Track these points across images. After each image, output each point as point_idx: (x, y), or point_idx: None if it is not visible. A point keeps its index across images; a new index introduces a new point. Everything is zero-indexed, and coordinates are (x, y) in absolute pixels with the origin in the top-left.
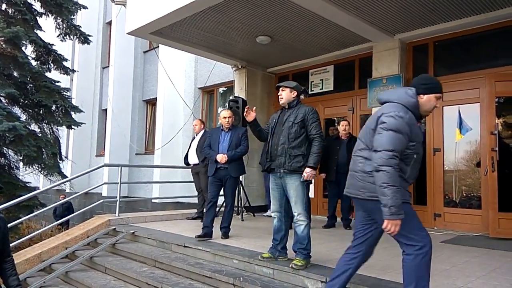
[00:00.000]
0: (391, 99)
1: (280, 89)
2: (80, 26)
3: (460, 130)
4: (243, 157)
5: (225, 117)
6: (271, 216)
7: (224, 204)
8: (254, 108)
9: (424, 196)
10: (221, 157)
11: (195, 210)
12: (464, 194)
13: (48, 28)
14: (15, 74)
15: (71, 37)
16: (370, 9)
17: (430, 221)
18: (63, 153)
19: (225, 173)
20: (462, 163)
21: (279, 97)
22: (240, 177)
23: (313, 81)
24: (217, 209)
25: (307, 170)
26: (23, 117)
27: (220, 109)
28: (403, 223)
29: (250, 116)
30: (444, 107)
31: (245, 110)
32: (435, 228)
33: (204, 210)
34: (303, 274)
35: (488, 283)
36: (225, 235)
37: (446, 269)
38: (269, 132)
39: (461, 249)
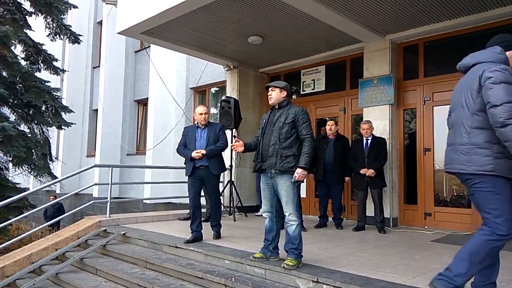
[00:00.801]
0: (481, 60)
1: (270, 89)
2: (71, 26)
3: None
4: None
5: (201, 113)
6: (262, 216)
7: (210, 203)
8: (235, 139)
9: (415, 195)
10: (196, 153)
11: (187, 211)
12: (455, 194)
13: (38, 28)
14: (4, 74)
15: (61, 36)
16: (361, 10)
17: (421, 220)
18: (53, 153)
19: (205, 172)
20: None
21: (269, 97)
22: (232, 177)
23: (304, 81)
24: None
25: (298, 170)
26: (13, 118)
27: (212, 109)
28: (491, 202)
29: (240, 148)
30: (434, 107)
31: (232, 147)
32: (426, 227)
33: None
34: (295, 274)
35: None
36: (218, 233)
37: (437, 267)
38: (260, 132)
39: (451, 247)
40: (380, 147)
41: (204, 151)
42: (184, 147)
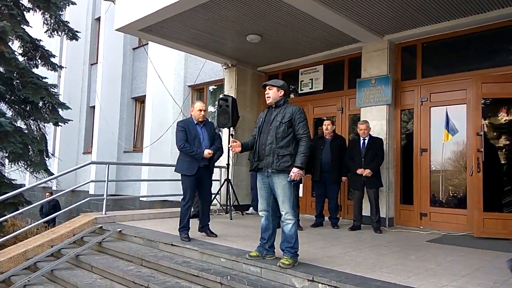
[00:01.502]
0: None
1: (267, 87)
2: (68, 22)
3: (448, 131)
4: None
5: (200, 110)
6: (253, 214)
7: (203, 203)
8: (232, 140)
9: (411, 195)
10: (209, 153)
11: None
12: (450, 194)
13: (36, 24)
14: (1, 69)
15: (59, 33)
16: (360, 10)
17: (416, 220)
18: (50, 150)
19: (205, 172)
20: (448, 163)
21: (266, 95)
22: (229, 175)
23: (302, 81)
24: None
25: (294, 170)
26: (9, 114)
27: (210, 107)
28: None
29: (237, 148)
30: (431, 107)
31: (231, 148)
32: (421, 227)
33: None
34: (291, 273)
35: (473, 281)
36: (212, 232)
37: (432, 268)
38: (256, 131)
39: (446, 248)
40: (377, 147)
41: (212, 151)
42: (189, 144)
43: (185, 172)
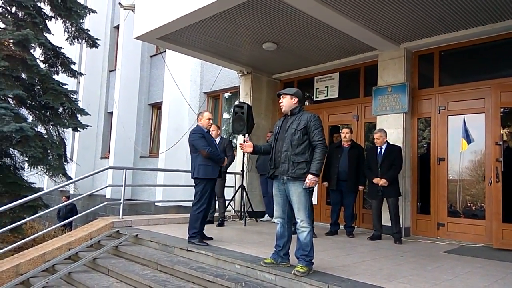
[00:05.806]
0: None
1: (281, 96)
2: (89, 30)
3: (465, 140)
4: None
5: (209, 119)
6: (268, 221)
7: (213, 207)
8: (246, 139)
9: (428, 205)
10: (225, 158)
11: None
12: (468, 204)
13: (57, 32)
14: (23, 76)
15: (80, 40)
16: (376, 18)
17: (434, 230)
18: (68, 155)
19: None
20: (466, 173)
21: (280, 104)
22: (244, 182)
23: (318, 88)
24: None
25: (309, 177)
26: (30, 119)
27: (225, 114)
28: None
29: (248, 148)
30: (449, 116)
31: (240, 147)
32: (438, 237)
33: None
34: (305, 281)
35: None
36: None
37: (449, 279)
38: (273, 139)
39: (464, 259)
40: (394, 155)
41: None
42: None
43: (211, 176)
